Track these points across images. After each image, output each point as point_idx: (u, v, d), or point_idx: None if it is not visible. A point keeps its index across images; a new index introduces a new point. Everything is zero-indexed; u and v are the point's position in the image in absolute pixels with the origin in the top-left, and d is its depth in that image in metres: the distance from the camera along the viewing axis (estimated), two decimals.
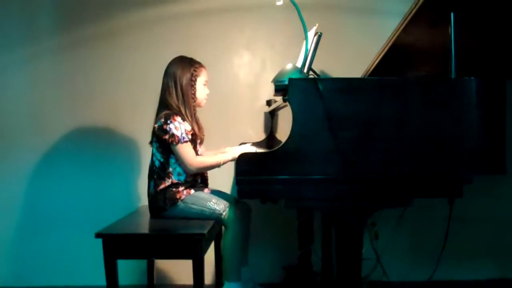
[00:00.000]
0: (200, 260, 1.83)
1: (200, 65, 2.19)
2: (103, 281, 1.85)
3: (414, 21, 1.74)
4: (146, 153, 2.53)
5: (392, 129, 1.61)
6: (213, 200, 2.07)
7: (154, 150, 2.13)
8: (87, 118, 2.69)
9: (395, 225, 2.46)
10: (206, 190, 2.18)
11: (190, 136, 2.08)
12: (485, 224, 2.67)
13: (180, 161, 2.07)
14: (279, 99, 2.05)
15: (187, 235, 1.84)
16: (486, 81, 1.62)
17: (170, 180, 2.08)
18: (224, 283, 2.09)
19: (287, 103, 1.62)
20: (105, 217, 2.14)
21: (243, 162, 1.60)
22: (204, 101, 2.24)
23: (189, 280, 1.88)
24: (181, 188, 2.08)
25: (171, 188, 2.07)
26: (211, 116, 2.50)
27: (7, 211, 2.69)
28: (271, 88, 2.08)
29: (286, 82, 1.61)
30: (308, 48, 1.88)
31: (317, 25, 2.00)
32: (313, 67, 1.91)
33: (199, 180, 2.19)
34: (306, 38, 1.87)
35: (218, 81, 2.61)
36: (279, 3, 2.13)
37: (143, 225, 2.06)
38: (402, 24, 1.79)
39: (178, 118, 2.07)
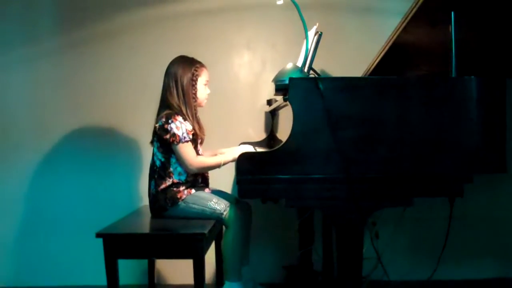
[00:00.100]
0: (200, 260, 1.83)
1: (201, 65, 2.19)
2: (104, 281, 1.86)
3: (415, 20, 1.74)
4: (147, 153, 2.53)
5: (393, 128, 1.61)
6: (214, 200, 2.07)
7: (155, 150, 2.13)
8: (88, 118, 2.69)
9: (396, 225, 2.46)
10: (206, 189, 2.18)
11: (191, 136, 2.08)
12: (486, 224, 2.67)
13: (180, 161, 2.07)
14: (279, 98, 2.05)
15: (188, 235, 1.84)
16: (486, 80, 1.62)
17: (171, 180, 2.08)
18: (224, 282, 2.09)
19: (287, 102, 1.62)
20: (106, 217, 2.15)
21: (243, 162, 1.60)
22: (205, 101, 2.24)
23: (190, 280, 1.88)
24: (182, 188, 2.08)
25: (172, 188, 2.07)
26: (212, 115, 2.50)
27: (8, 211, 2.69)
28: (271, 87, 2.08)
29: (287, 82, 1.61)
30: (309, 47, 1.88)
31: (317, 24, 2.00)
32: (313, 66, 1.91)
33: (199, 180, 2.19)
34: (306, 37, 1.87)
35: (219, 80, 2.61)
36: (280, 2, 2.13)
37: (144, 225, 2.06)
38: (402, 23, 1.79)
39: (180, 118, 2.07)
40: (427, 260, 2.41)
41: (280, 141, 1.88)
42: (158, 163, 2.11)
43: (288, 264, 2.60)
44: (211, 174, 2.26)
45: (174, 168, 2.09)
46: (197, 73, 2.15)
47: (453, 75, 1.69)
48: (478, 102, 1.62)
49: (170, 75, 2.13)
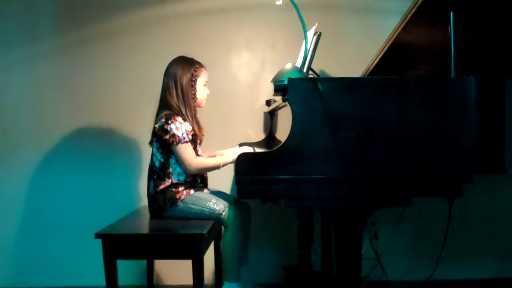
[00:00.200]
0: (199, 260, 1.83)
1: (200, 65, 2.19)
2: (103, 282, 1.86)
3: (414, 20, 1.74)
4: (146, 153, 2.53)
5: (392, 129, 1.61)
6: (213, 200, 2.07)
7: (154, 150, 2.13)
8: (88, 119, 2.69)
9: (395, 225, 2.46)
10: (205, 190, 2.18)
11: (190, 137, 2.08)
12: (485, 224, 2.67)
13: (180, 162, 2.07)
14: (278, 99, 2.05)
15: (187, 235, 1.84)
16: (485, 80, 1.62)
17: (170, 180, 2.08)
18: (223, 283, 2.09)
19: (286, 103, 1.62)
20: (105, 217, 2.14)
21: (243, 162, 1.60)
22: (204, 102, 2.24)
23: (189, 280, 1.88)
24: (181, 188, 2.08)
25: (171, 188, 2.07)
26: (211, 116, 2.50)
27: (8, 211, 2.69)
28: (270, 88, 2.08)
29: (286, 82, 1.61)
30: (308, 47, 1.88)
31: (316, 24, 2.00)
32: (312, 66, 1.91)
33: (198, 180, 2.19)
34: (305, 37, 1.87)
35: (218, 81, 2.61)
36: (279, 2, 2.12)
37: (143, 225, 2.06)
38: (401, 23, 1.79)
39: (179, 118, 2.07)
40: (426, 260, 2.41)
41: (279, 141, 1.88)
42: (157, 163, 2.11)
43: (287, 264, 2.60)
44: (210, 174, 2.26)
45: (173, 168, 2.09)
46: (196, 73, 2.15)
47: (452, 75, 1.69)
48: (477, 102, 1.62)
49: (170, 76, 2.13)
